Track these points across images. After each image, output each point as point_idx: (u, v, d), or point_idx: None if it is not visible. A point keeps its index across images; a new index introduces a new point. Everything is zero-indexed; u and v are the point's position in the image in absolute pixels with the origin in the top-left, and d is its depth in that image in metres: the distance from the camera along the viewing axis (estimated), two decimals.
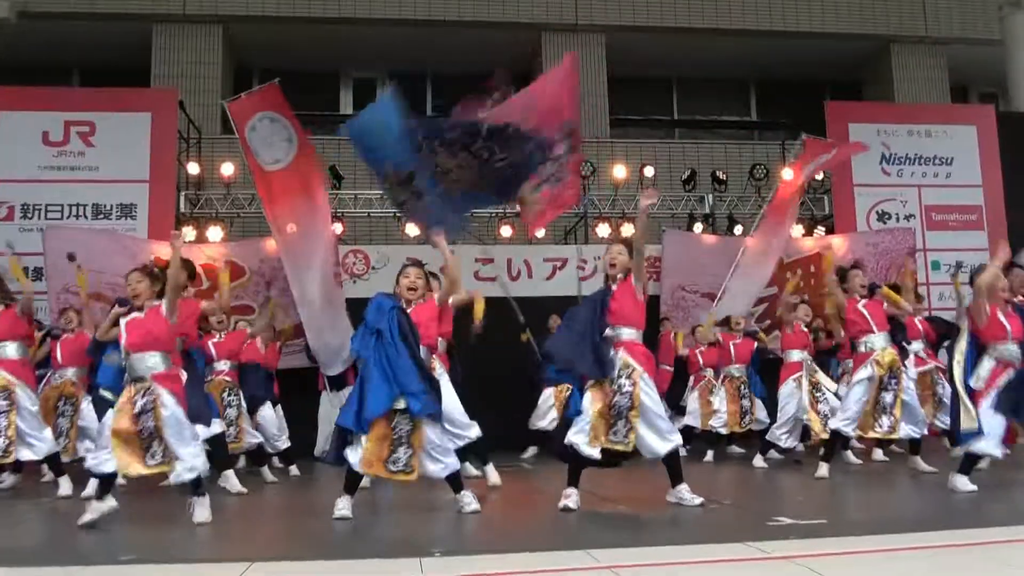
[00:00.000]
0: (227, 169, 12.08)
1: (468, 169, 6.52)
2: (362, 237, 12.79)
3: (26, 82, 12.75)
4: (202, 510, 5.46)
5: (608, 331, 5.74)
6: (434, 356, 6.73)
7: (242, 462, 8.97)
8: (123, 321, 5.63)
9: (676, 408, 10.14)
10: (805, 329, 9.01)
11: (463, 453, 6.70)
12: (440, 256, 6.09)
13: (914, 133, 13.33)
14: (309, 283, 10.49)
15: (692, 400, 10.17)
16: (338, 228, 11.75)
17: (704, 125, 17.45)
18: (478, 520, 5.55)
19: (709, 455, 9.58)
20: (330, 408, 10.44)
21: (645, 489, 6.19)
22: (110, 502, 5.38)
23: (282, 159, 10.46)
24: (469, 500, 5.69)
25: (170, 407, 5.39)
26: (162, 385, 5.43)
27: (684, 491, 5.72)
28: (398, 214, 12.25)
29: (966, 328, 6.34)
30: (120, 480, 5.78)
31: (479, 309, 7.97)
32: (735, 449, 10.25)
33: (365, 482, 6.29)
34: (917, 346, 8.96)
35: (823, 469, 7.32)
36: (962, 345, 6.25)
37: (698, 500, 5.67)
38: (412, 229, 11.62)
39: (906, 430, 7.31)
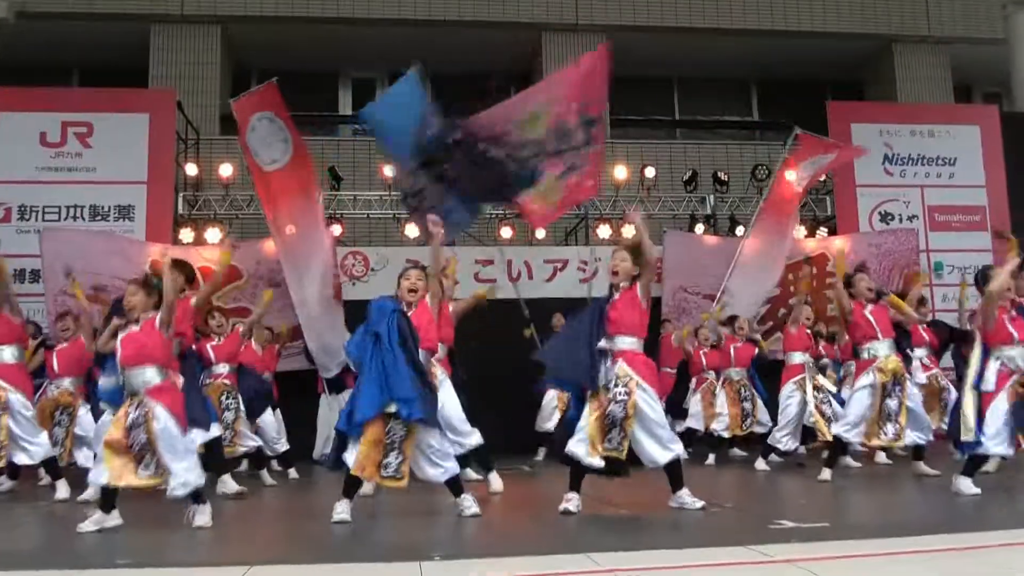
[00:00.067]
0: (225, 170, 12.04)
1: (472, 169, 6.54)
2: (361, 239, 12.73)
3: (24, 82, 12.74)
4: (202, 516, 5.43)
5: (604, 342, 5.69)
6: (435, 361, 6.74)
7: (244, 465, 8.91)
8: (120, 335, 5.59)
9: (677, 413, 10.03)
10: (808, 331, 8.97)
11: (464, 459, 6.67)
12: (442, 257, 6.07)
13: (917, 133, 13.29)
14: (308, 285, 10.46)
15: (695, 402, 10.12)
16: (337, 229, 11.71)
17: (705, 125, 17.39)
18: (478, 524, 5.52)
19: (711, 458, 9.55)
20: (328, 411, 10.41)
21: (646, 492, 6.15)
22: (115, 518, 5.34)
23: (279, 160, 10.45)
24: (469, 504, 5.66)
25: (163, 420, 5.34)
26: (155, 399, 5.39)
27: (685, 496, 5.69)
28: (398, 216, 12.24)
29: (979, 335, 6.31)
30: None
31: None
32: (736, 452, 10.21)
33: (368, 489, 6.29)
34: (921, 352, 8.91)
35: (825, 473, 7.31)
36: (977, 352, 6.22)
37: (699, 503, 5.64)
38: (412, 231, 11.58)
39: (912, 437, 7.28)
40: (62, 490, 7.15)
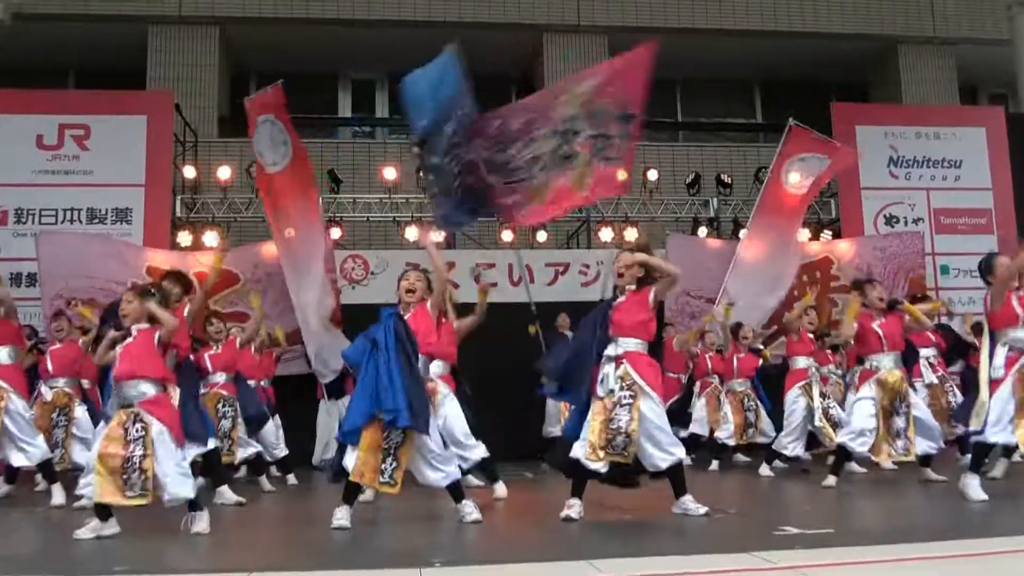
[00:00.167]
0: (224, 173, 12.00)
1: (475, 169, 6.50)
2: (361, 242, 12.67)
3: (21, 84, 12.70)
4: (200, 523, 5.37)
5: (610, 348, 5.62)
6: (438, 378, 6.75)
7: (243, 471, 8.83)
8: (118, 347, 5.51)
9: (681, 421, 9.91)
10: (810, 336, 8.92)
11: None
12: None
13: (922, 135, 13.24)
14: (306, 288, 10.41)
15: (699, 407, 10.07)
16: (336, 233, 11.65)
17: (708, 127, 17.33)
18: (479, 530, 5.46)
19: (714, 464, 9.51)
20: (327, 417, 10.37)
21: (649, 498, 6.09)
22: (112, 527, 5.26)
23: (279, 162, 10.42)
24: (470, 510, 5.60)
25: (156, 434, 5.26)
26: (150, 412, 5.30)
27: (688, 502, 5.61)
28: (398, 219, 12.18)
29: (986, 326, 6.25)
30: None
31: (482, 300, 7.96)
32: (740, 458, 10.13)
33: (368, 495, 6.22)
34: (928, 352, 8.84)
35: (830, 479, 7.24)
36: (986, 344, 6.16)
37: (703, 509, 5.57)
38: (411, 233, 11.52)
39: (923, 446, 7.20)
40: (58, 496, 7.06)
